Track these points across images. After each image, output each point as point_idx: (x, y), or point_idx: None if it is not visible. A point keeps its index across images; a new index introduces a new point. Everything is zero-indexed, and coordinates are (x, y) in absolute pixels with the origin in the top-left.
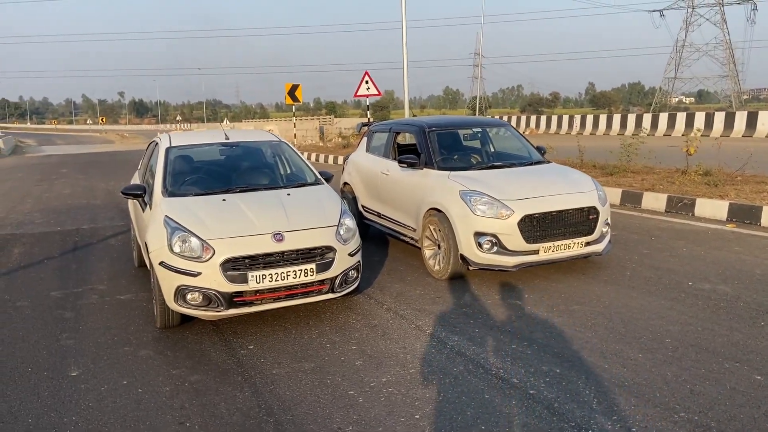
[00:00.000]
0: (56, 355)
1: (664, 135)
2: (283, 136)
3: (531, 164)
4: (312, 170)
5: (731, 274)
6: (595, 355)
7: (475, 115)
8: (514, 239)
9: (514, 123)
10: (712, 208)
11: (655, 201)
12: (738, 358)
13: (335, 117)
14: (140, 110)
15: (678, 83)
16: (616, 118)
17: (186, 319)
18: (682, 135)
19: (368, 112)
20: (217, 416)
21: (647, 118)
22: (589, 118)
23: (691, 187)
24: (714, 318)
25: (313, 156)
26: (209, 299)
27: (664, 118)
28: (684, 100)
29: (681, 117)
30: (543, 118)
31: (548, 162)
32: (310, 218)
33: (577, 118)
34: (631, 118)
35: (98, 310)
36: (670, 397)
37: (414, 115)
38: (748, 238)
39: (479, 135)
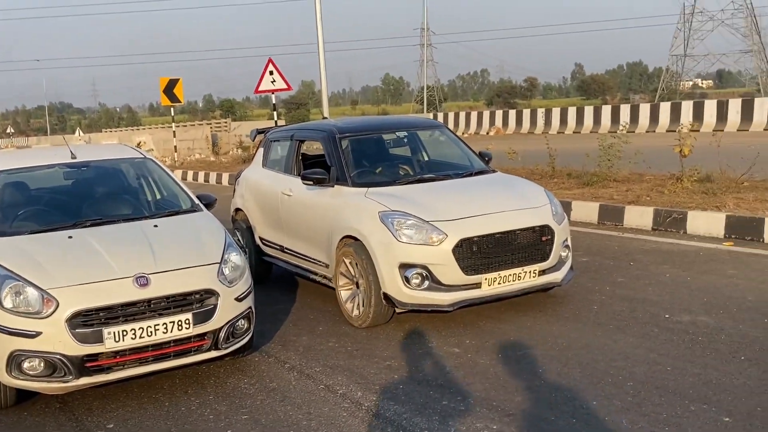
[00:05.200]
0: None
1: (667, 131)
2: (160, 149)
3: (471, 175)
4: (187, 194)
5: (717, 302)
6: (542, 406)
7: (423, 111)
8: (450, 270)
9: (474, 120)
10: (706, 223)
11: (639, 217)
12: (707, 399)
13: (233, 121)
14: None
15: (689, 62)
16: (606, 111)
17: (25, 395)
18: (691, 130)
19: (275, 113)
20: None
21: (644, 110)
22: (571, 112)
23: (684, 198)
24: (688, 355)
25: (201, 176)
26: (53, 366)
27: (665, 108)
28: (700, 84)
29: (687, 107)
30: (512, 113)
31: (493, 171)
32: (183, 255)
33: (556, 113)
34: (625, 110)
35: None
36: None
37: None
38: (746, 258)
39: (406, 140)
